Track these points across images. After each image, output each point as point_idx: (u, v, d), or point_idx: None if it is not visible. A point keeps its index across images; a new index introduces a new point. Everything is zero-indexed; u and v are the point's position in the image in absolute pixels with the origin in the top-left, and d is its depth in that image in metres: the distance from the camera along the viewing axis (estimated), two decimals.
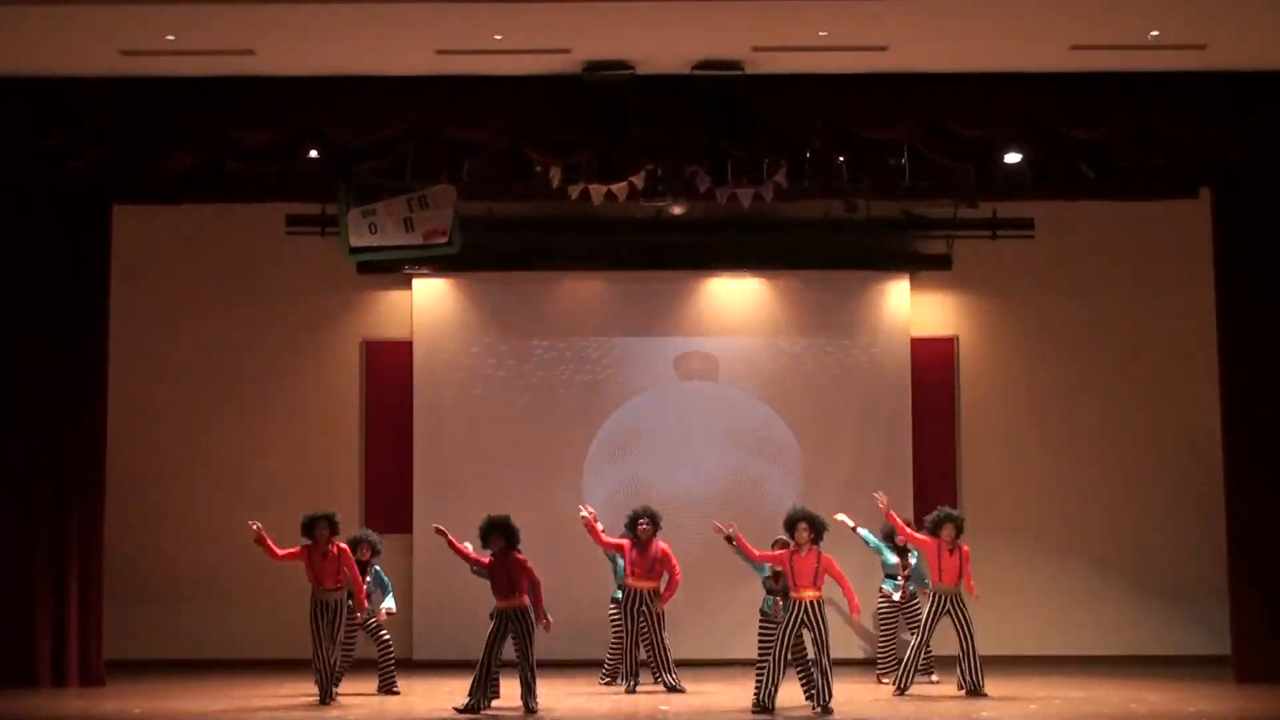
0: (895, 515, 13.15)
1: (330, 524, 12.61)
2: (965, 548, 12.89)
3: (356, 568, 12.72)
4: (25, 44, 11.40)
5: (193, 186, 13.94)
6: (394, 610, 13.44)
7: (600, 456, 15.95)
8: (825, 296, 16.03)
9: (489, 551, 12.01)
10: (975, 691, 12.73)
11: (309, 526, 12.60)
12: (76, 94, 12.14)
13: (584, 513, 13.36)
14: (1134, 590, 15.82)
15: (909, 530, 13.15)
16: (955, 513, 13.10)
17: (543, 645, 12.14)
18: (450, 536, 12.36)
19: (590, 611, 14.80)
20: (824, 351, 16.01)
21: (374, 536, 13.48)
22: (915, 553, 13.55)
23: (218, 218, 15.50)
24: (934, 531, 12.89)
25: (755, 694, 12.00)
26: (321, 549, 12.55)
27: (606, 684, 13.52)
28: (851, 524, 13.83)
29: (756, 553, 12.23)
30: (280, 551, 12.60)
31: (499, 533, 11.96)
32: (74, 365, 13.78)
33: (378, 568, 13.37)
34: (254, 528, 12.55)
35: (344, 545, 12.71)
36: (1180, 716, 11.59)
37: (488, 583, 12.08)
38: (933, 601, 12.88)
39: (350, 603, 12.76)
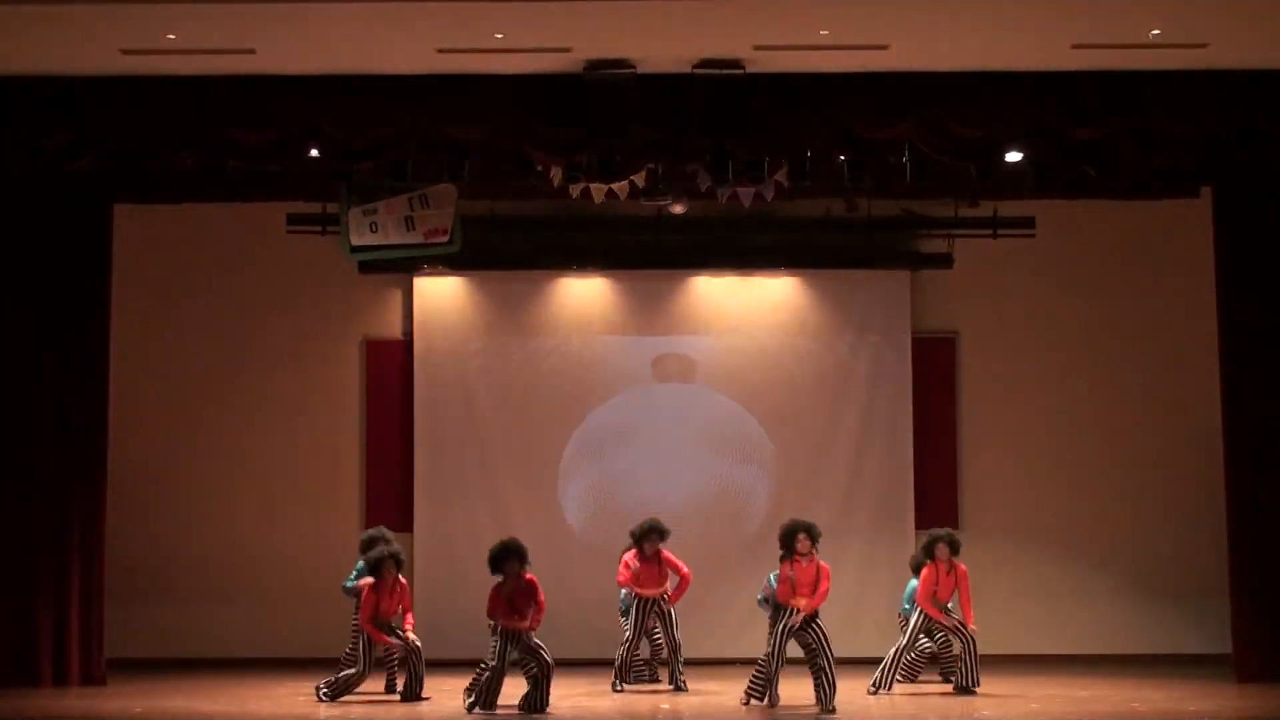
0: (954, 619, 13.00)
1: (396, 562, 12.62)
2: (962, 567, 12.96)
3: (410, 600, 12.76)
4: (26, 43, 11.39)
5: (194, 186, 13.97)
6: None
7: (581, 455, 15.93)
8: (826, 295, 16.02)
9: (501, 576, 11.91)
10: (968, 690, 12.75)
11: (375, 567, 12.55)
12: (77, 93, 12.12)
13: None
14: (1135, 589, 15.82)
15: (932, 607, 12.97)
16: (945, 532, 13.07)
17: (548, 645, 12.11)
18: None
19: (592, 612, 14.83)
20: (825, 350, 16.00)
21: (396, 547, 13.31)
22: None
23: (218, 217, 15.51)
24: (929, 553, 12.90)
25: (762, 694, 12.08)
26: (389, 586, 12.57)
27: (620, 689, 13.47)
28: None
29: (779, 591, 12.12)
30: (370, 624, 12.49)
31: (516, 556, 11.92)
32: (75, 365, 13.77)
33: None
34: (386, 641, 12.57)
35: (404, 580, 12.71)
36: (1181, 715, 11.59)
37: (488, 582, 12.02)
38: (922, 612, 12.96)
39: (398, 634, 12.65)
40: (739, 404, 15.98)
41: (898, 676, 13.06)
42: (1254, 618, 13.54)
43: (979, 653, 12.91)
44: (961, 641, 12.89)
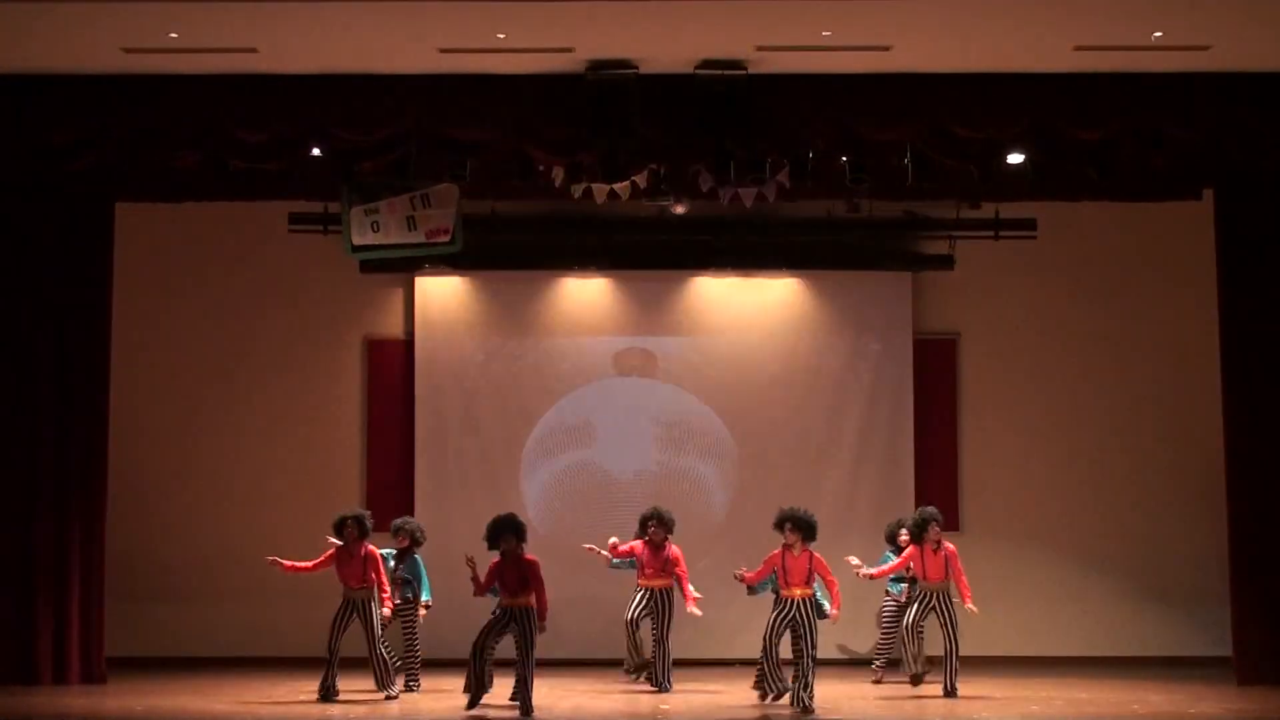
0: (871, 572, 13.00)
1: (359, 525, 12.65)
2: (951, 547, 12.92)
3: (384, 572, 12.72)
4: (28, 41, 11.40)
5: (195, 184, 13.94)
6: (429, 603, 13.36)
7: (580, 452, 15.95)
8: (828, 296, 16.02)
9: (498, 551, 11.93)
10: (950, 693, 12.72)
11: (338, 527, 12.66)
12: (79, 92, 12.14)
13: (607, 547, 13.30)
14: (1135, 591, 15.82)
15: (889, 566, 13.09)
16: (935, 511, 13.07)
17: (543, 645, 12.11)
18: (475, 570, 12.08)
19: (592, 611, 14.82)
20: (826, 351, 16.00)
21: (413, 524, 13.42)
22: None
23: (220, 216, 15.50)
24: (918, 535, 12.89)
25: (761, 686, 12.10)
26: (349, 549, 12.59)
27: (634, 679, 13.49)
28: (859, 565, 13.23)
29: (756, 573, 12.23)
30: (309, 564, 12.74)
31: (510, 531, 11.90)
32: (77, 362, 13.77)
33: (417, 556, 13.35)
34: (273, 562, 12.72)
35: (373, 548, 12.72)
36: (1181, 718, 11.59)
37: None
38: (919, 599, 12.92)
39: (382, 609, 12.69)
40: (739, 404, 15.98)
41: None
42: (1254, 620, 13.52)
43: (960, 653, 12.88)
44: (945, 641, 12.85)
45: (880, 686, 13.41)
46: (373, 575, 12.62)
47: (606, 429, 15.97)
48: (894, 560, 13.17)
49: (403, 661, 13.19)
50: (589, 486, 15.85)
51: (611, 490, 15.74)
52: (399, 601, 13.08)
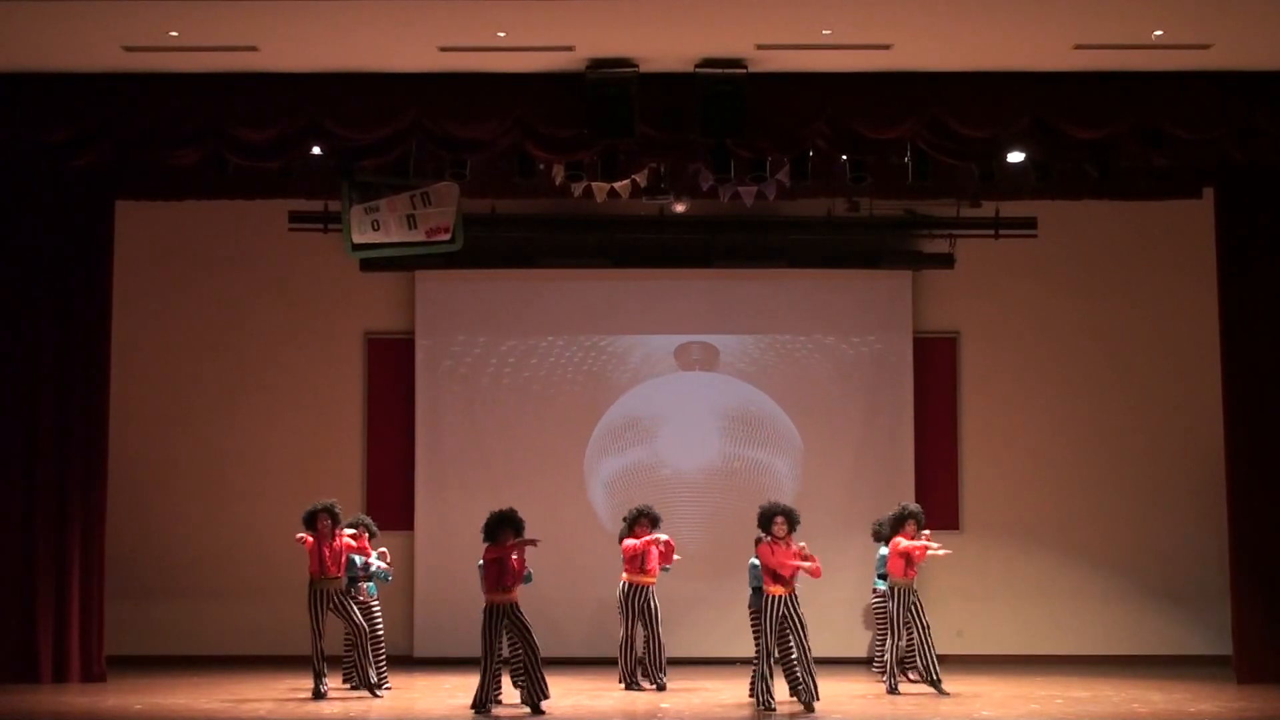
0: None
1: (331, 515, 12.67)
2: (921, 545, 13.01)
3: (353, 548, 12.86)
4: (28, 39, 11.40)
5: (196, 182, 13.96)
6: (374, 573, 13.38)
7: (601, 446, 15.98)
8: (828, 295, 16.02)
9: (490, 544, 11.91)
10: (936, 685, 12.73)
11: (310, 520, 12.65)
12: (79, 90, 12.13)
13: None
14: (1135, 590, 15.82)
15: (900, 554, 13.07)
16: (915, 508, 13.07)
17: (543, 645, 12.09)
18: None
19: (592, 610, 14.83)
20: (827, 350, 16.01)
21: (367, 519, 13.48)
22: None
23: (220, 214, 15.51)
24: (895, 529, 12.92)
25: (752, 691, 12.08)
26: (327, 538, 12.61)
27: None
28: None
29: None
30: (310, 540, 12.73)
31: (509, 526, 11.89)
32: (76, 361, 13.77)
33: (380, 551, 13.37)
34: (300, 539, 12.73)
35: (346, 539, 12.78)
36: (1182, 717, 11.59)
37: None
38: (895, 598, 12.92)
39: (353, 589, 12.92)
40: (738, 404, 15.98)
41: (909, 675, 13.11)
42: (1254, 619, 13.54)
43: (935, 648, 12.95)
44: (919, 631, 12.87)
45: (879, 684, 13.38)
46: (351, 555, 12.81)
47: (601, 427, 15.98)
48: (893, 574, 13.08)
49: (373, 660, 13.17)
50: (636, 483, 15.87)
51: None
52: (365, 599, 13.13)
